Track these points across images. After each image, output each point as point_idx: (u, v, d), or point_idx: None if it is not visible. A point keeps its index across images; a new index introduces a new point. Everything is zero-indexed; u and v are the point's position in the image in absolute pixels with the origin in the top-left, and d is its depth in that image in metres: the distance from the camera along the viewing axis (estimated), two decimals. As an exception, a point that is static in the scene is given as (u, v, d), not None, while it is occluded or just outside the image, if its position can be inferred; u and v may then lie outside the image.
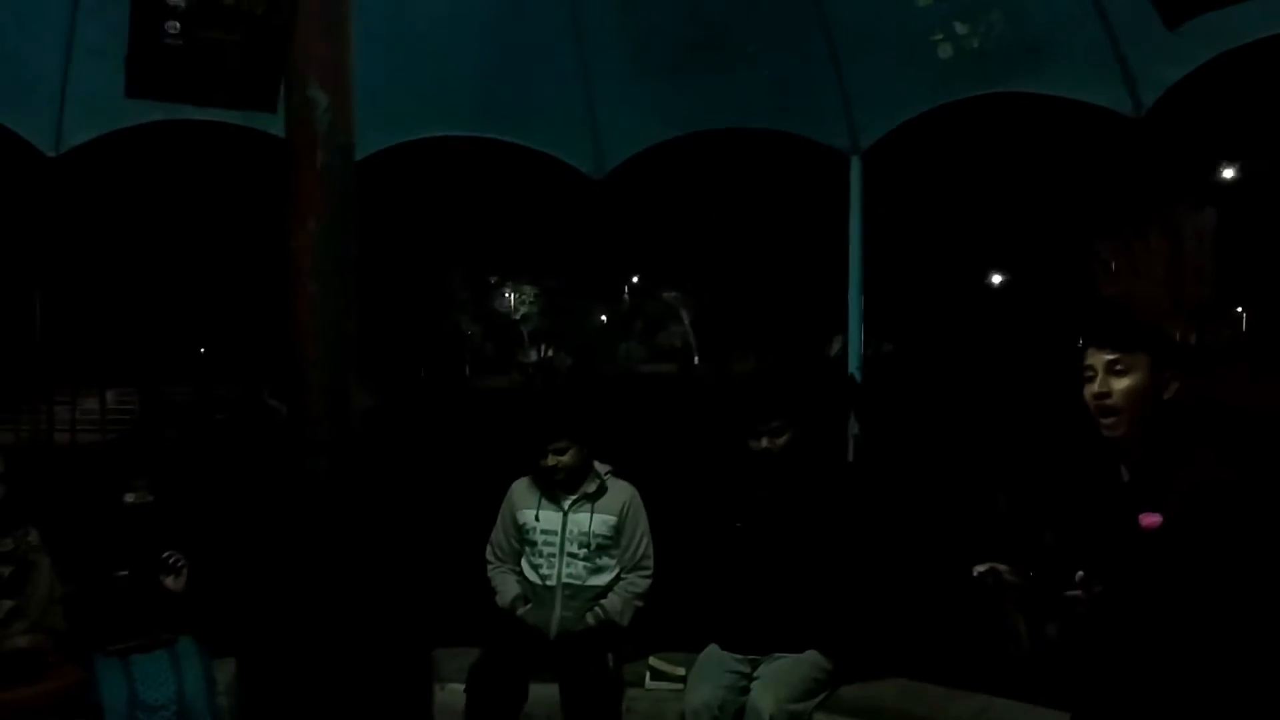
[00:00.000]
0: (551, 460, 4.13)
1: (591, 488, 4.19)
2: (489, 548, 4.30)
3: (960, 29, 4.02)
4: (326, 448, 2.35)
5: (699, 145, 4.95)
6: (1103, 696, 2.63)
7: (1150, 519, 2.56)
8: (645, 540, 4.22)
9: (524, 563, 4.22)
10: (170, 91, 4.37)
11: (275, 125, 4.52)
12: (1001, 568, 2.82)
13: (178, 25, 4.29)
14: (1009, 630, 3.99)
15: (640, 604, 4.17)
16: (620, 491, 4.23)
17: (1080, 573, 2.58)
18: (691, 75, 4.44)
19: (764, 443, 3.91)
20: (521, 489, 4.29)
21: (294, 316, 2.35)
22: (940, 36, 4.07)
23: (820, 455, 4.14)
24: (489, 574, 4.27)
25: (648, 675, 4.11)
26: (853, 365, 4.50)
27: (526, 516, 4.21)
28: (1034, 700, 3.71)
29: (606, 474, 4.24)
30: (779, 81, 4.43)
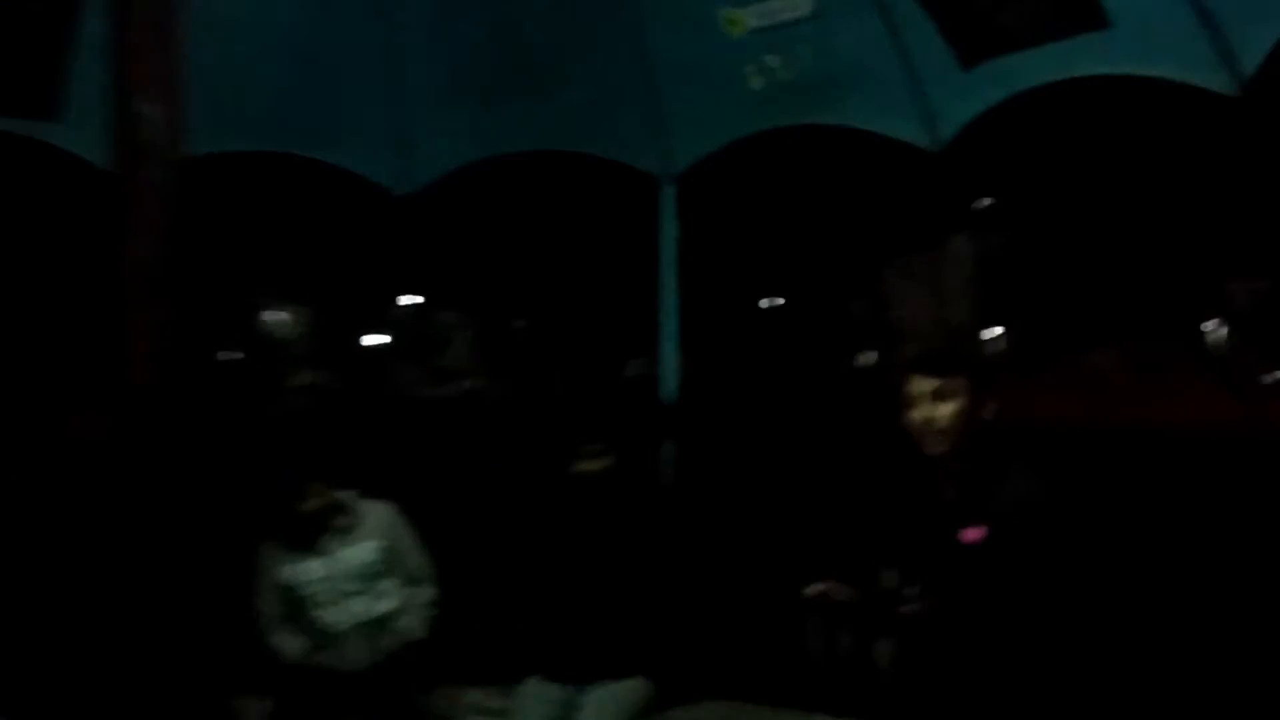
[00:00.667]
0: (313, 504, 3.90)
1: (344, 520, 4.00)
2: (260, 618, 3.96)
3: (771, 61, 4.16)
4: (161, 466, 2.23)
5: (508, 167, 4.92)
6: (937, 706, 2.75)
7: (972, 534, 2.71)
8: (417, 553, 4.08)
9: (303, 621, 3.93)
10: (-60, 97, 4.04)
11: (55, 135, 4.26)
12: (832, 587, 2.92)
13: (-55, 29, 3.98)
14: (808, 643, 4.14)
15: (432, 612, 4.02)
16: (376, 513, 4.06)
17: (914, 589, 2.69)
18: (508, 97, 4.41)
19: (586, 465, 3.90)
20: (272, 551, 3.98)
21: (127, 336, 2.20)
22: (752, 68, 4.20)
23: (638, 478, 4.17)
24: (267, 641, 3.94)
25: (466, 711, 4.02)
26: (667, 389, 4.55)
27: (289, 575, 3.93)
28: (855, 715, 3.84)
29: (356, 500, 4.06)
30: (594, 106, 4.46)
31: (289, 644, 3.92)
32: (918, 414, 2.79)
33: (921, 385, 2.80)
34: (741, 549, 4.23)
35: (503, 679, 4.00)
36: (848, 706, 3.86)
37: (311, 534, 3.94)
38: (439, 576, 4.08)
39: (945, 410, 2.77)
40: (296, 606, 3.94)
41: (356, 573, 3.94)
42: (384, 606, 3.97)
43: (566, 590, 3.85)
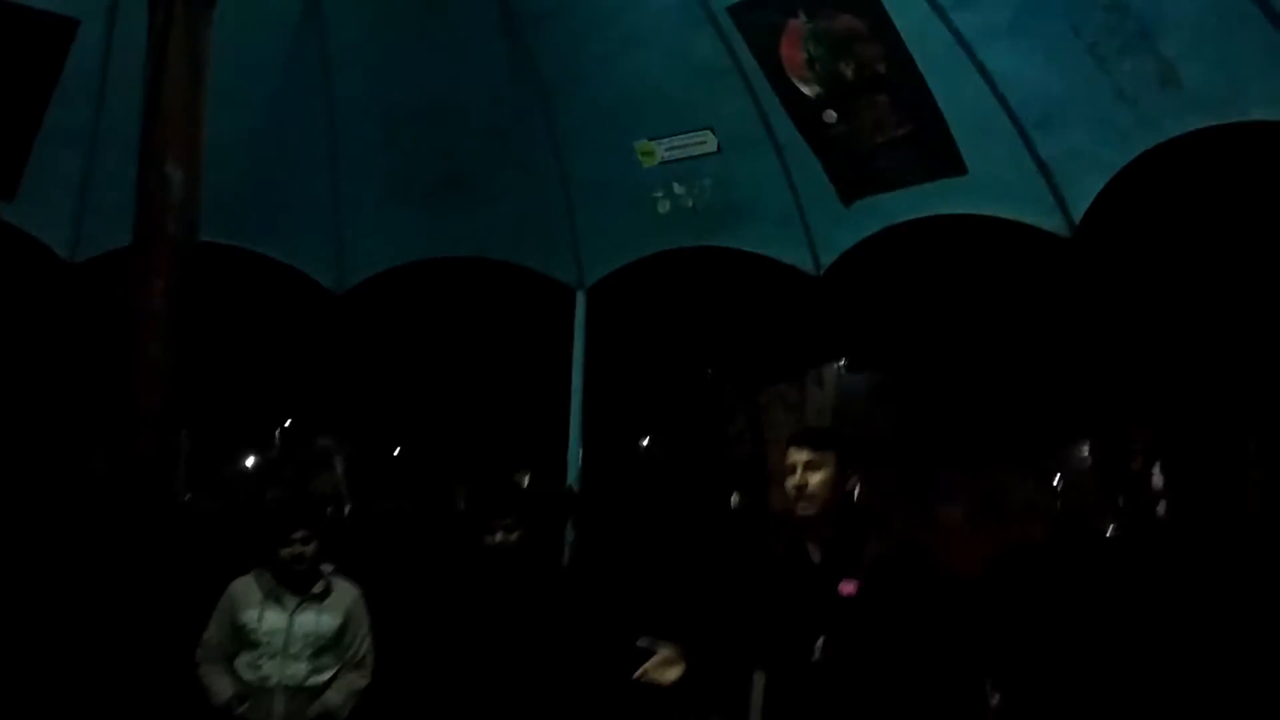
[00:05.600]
0: (296, 550, 4.23)
1: (318, 588, 4.29)
2: (200, 648, 4.22)
3: (678, 188, 4.69)
4: (157, 492, 2.51)
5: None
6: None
7: (848, 587, 3.15)
8: (368, 641, 4.36)
9: (239, 662, 4.19)
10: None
11: (10, 213, 4.54)
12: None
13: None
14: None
15: (357, 701, 4.28)
16: (345, 592, 4.35)
17: (821, 639, 3.10)
18: (439, 206, 4.85)
19: (499, 537, 4.24)
20: (242, 588, 4.27)
21: (134, 373, 2.52)
22: (661, 193, 4.73)
23: (541, 555, 4.51)
24: (199, 674, 4.18)
25: (375, 767, 4.22)
26: (571, 476, 4.94)
27: (249, 617, 4.20)
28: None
29: (330, 574, 4.37)
30: (518, 219, 4.93)
31: (220, 684, 4.13)
32: (792, 481, 3.27)
33: (797, 456, 3.29)
34: (630, 624, 4.57)
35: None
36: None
37: (285, 588, 4.22)
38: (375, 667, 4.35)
39: (815, 479, 3.25)
40: (240, 648, 4.19)
41: (311, 639, 4.20)
42: (317, 679, 4.22)
43: (473, 650, 4.15)
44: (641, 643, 3.32)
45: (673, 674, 3.31)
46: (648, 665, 3.30)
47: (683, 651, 3.32)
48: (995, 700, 3.42)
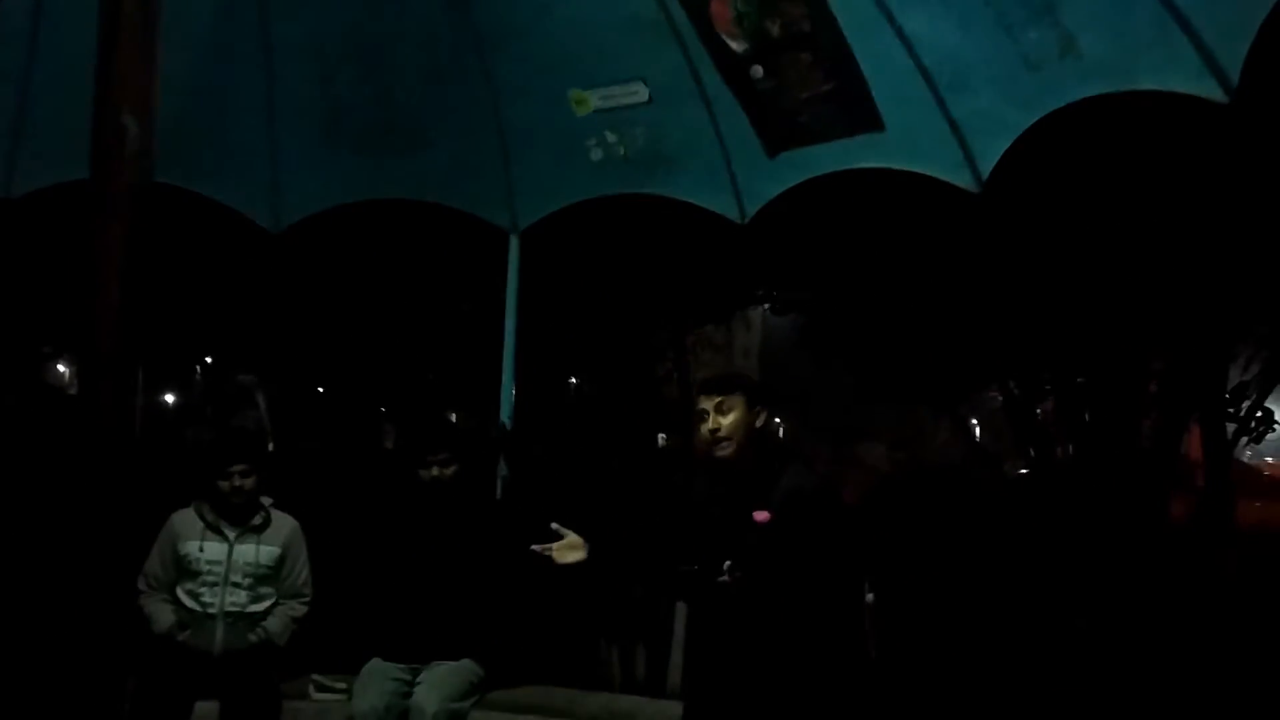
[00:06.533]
0: (237, 482, 4.38)
1: (258, 520, 4.48)
2: (141, 578, 4.37)
3: (610, 137, 4.84)
4: (115, 430, 2.65)
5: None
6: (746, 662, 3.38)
7: (761, 515, 3.40)
8: (306, 570, 4.57)
9: (180, 591, 4.38)
10: None
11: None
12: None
13: None
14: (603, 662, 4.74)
15: (297, 628, 4.50)
16: (284, 524, 4.55)
17: (729, 563, 3.36)
18: (376, 149, 4.95)
19: (434, 471, 4.43)
20: (183, 520, 4.45)
21: (94, 314, 2.65)
22: (593, 141, 4.87)
23: (476, 490, 4.71)
24: (141, 602, 4.33)
25: (311, 688, 4.42)
26: (504, 414, 5.12)
27: (189, 548, 4.39)
28: (653, 696, 4.48)
29: (270, 506, 4.56)
30: (453, 163, 5.05)
31: (160, 612, 4.30)
32: (706, 426, 3.50)
33: (706, 403, 3.52)
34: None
35: (342, 669, 4.45)
36: (644, 689, 4.52)
37: (225, 520, 4.41)
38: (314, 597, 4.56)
39: (728, 420, 3.48)
40: (181, 578, 4.37)
41: (249, 570, 4.40)
42: (257, 607, 4.43)
43: (414, 579, 4.36)
44: (553, 526, 3.54)
45: (571, 557, 3.53)
46: (553, 545, 3.52)
47: (586, 542, 3.54)
48: (870, 599, 3.74)
